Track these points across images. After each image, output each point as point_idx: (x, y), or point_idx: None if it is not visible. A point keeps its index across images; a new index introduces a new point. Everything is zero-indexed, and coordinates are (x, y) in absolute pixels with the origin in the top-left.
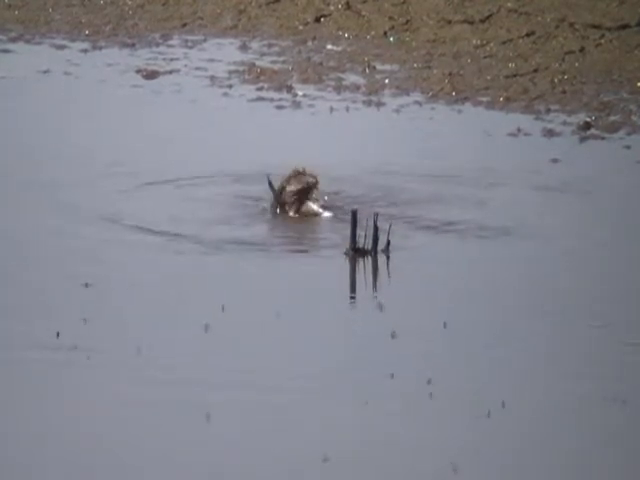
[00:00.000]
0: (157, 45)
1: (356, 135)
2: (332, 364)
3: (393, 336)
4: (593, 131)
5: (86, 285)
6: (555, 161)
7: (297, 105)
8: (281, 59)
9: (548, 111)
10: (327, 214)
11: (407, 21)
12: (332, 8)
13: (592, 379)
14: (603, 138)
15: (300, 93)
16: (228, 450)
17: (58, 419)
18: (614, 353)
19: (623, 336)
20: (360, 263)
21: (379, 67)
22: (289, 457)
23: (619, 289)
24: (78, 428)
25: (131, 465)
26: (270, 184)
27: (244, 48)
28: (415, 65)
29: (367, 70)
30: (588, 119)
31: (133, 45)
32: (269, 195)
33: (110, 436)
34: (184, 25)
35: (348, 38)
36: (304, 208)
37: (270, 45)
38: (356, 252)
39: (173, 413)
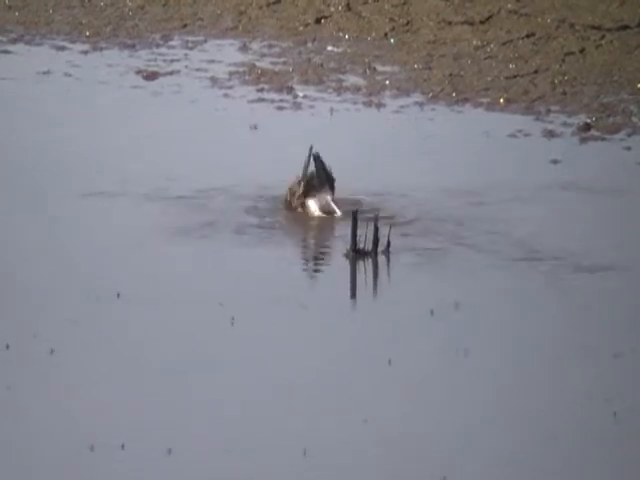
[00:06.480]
0: (157, 46)
1: (356, 136)
2: (331, 366)
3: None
4: (593, 132)
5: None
6: (555, 162)
7: (298, 106)
8: (281, 60)
9: (548, 112)
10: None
11: (407, 22)
12: (332, 9)
13: None
14: (603, 139)
15: (301, 94)
16: None
17: None
18: None
19: None
20: (360, 264)
21: (379, 68)
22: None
23: None
24: None
25: None
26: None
27: (244, 49)
28: (415, 66)
29: (367, 71)
30: (588, 120)
31: (133, 46)
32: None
33: None
34: (184, 26)
35: (348, 39)
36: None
37: (270, 46)
38: (356, 253)
39: None
